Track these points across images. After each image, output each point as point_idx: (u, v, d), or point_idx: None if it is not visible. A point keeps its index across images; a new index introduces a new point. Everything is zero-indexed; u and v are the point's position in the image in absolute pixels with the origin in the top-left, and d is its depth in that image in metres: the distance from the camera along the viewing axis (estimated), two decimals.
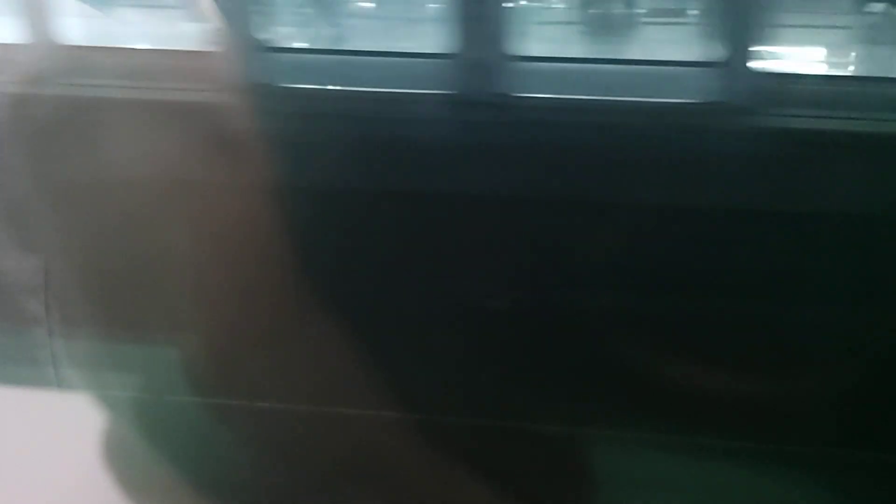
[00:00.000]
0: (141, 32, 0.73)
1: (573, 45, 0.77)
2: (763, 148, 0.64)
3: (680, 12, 0.77)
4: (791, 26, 0.70)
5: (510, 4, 0.68)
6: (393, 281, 0.69)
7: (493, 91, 0.67)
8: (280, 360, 0.68)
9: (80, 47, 0.72)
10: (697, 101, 0.66)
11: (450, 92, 0.68)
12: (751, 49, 0.65)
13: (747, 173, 0.64)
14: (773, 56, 0.66)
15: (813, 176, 0.64)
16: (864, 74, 0.70)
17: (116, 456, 0.69)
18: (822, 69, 0.73)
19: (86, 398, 0.71)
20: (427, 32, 0.73)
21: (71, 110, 0.69)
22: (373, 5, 0.84)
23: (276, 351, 0.68)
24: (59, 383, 0.74)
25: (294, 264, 0.67)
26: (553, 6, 0.82)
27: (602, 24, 0.77)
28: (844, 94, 0.66)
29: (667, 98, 0.67)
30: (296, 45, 0.74)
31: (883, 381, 0.67)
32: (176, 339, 0.69)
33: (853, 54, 0.76)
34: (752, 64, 0.65)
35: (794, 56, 0.72)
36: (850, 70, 0.73)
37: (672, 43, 0.76)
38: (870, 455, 0.67)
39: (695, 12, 0.73)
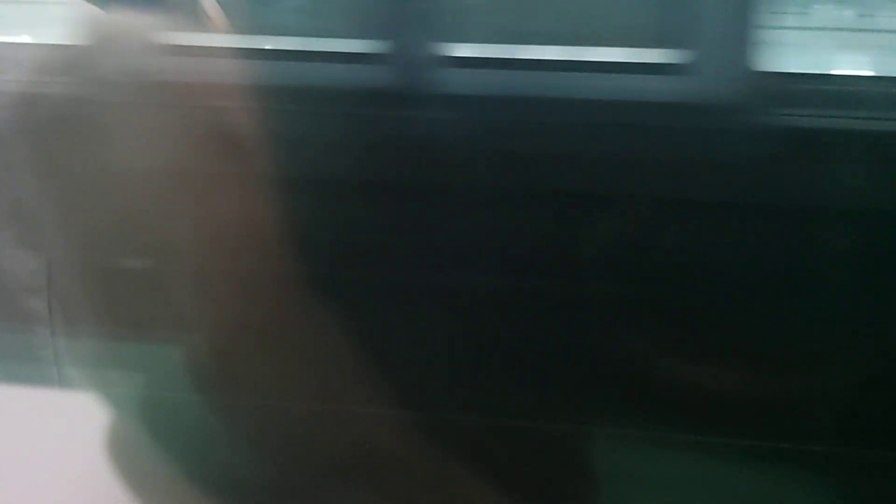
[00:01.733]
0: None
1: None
2: (758, 146, 0.64)
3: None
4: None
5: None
6: (398, 278, 0.69)
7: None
8: (284, 358, 0.68)
9: (80, 46, 0.72)
10: (670, 100, 0.67)
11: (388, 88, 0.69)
12: (742, 48, 0.65)
13: (746, 170, 0.64)
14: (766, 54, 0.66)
15: (807, 172, 0.64)
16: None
17: (120, 454, 0.69)
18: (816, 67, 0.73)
19: (89, 397, 0.71)
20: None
21: (73, 109, 0.69)
22: None
23: (280, 349, 0.68)
24: (62, 382, 0.74)
25: (298, 262, 0.67)
26: None
27: None
28: (845, 93, 0.67)
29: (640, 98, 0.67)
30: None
31: (888, 379, 0.67)
32: (179, 336, 0.69)
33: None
34: (745, 62, 0.65)
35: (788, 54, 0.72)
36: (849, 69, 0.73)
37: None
38: (876, 454, 0.67)
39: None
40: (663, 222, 0.66)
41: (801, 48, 0.75)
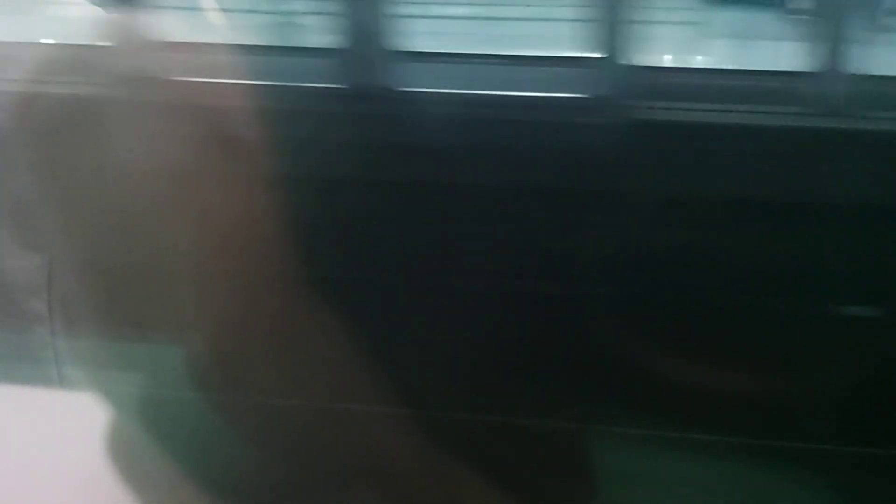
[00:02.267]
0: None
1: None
2: (641, 140, 0.65)
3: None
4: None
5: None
6: (399, 275, 0.69)
7: (380, 85, 0.68)
8: (286, 358, 0.68)
9: (83, 46, 0.72)
10: (578, 95, 0.67)
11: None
12: (624, 44, 0.66)
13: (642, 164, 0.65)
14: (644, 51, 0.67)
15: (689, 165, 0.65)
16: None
17: (121, 454, 0.69)
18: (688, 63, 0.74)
19: (89, 397, 0.71)
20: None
21: (73, 109, 0.68)
22: None
23: (282, 349, 0.68)
24: (62, 382, 0.74)
25: (299, 260, 0.66)
26: None
27: None
28: (718, 87, 0.67)
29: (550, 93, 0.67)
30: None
31: (887, 377, 0.67)
32: (180, 336, 0.69)
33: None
34: (625, 59, 0.66)
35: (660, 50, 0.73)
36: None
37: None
38: (879, 452, 0.67)
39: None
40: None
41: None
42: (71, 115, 0.68)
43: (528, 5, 0.84)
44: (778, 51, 0.75)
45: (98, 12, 0.72)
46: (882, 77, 0.66)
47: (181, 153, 0.66)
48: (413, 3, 0.75)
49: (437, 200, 0.67)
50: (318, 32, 0.73)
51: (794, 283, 0.66)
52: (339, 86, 0.70)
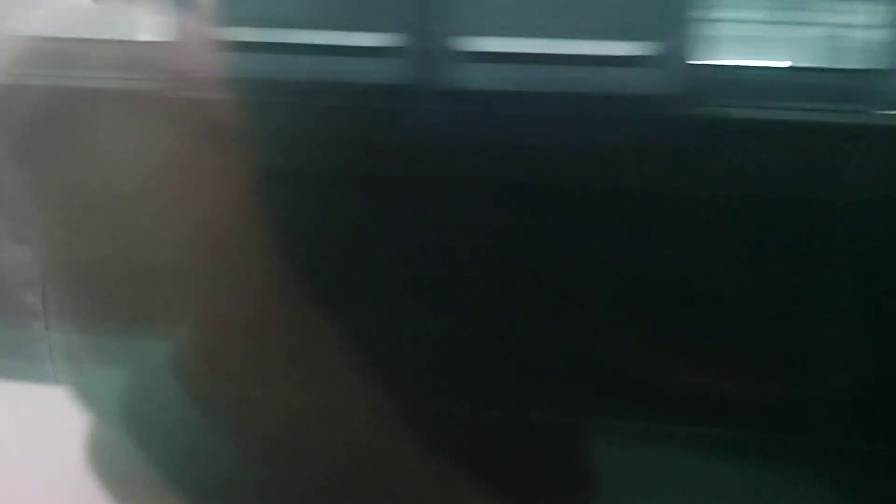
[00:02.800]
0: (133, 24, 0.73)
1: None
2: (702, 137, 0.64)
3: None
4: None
5: None
6: (388, 269, 0.69)
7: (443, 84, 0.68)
8: (281, 354, 0.68)
9: (69, 39, 0.72)
10: (640, 92, 0.66)
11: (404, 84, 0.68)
12: (686, 42, 0.65)
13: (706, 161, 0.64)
14: (709, 49, 0.66)
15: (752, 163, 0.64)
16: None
17: (112, 452, 0.69)
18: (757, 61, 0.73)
19: (82, 393, 0.71)
20: None
21: (65, 102, 0.68)
22: None
23: (277, 345, 0.68)
24: (56, 378, 0.73)
25: (288, 255, 0.66)
26: None
27: None
28: (779, 85, 0.67)
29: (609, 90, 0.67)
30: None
31: (889, 372, 0.67)
32: (174, 332, 0.69)
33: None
34: (687, 57, 0.65)
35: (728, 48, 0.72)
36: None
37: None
38: (883, 447, 0.67)
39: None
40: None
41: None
42: (63, 109, 0.68)
43: None
44: None
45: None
46: None
47: (174, 150, 0.66)
48: None
49: (428, 197, 0.67)
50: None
51: (794, 281, 0.66)
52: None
